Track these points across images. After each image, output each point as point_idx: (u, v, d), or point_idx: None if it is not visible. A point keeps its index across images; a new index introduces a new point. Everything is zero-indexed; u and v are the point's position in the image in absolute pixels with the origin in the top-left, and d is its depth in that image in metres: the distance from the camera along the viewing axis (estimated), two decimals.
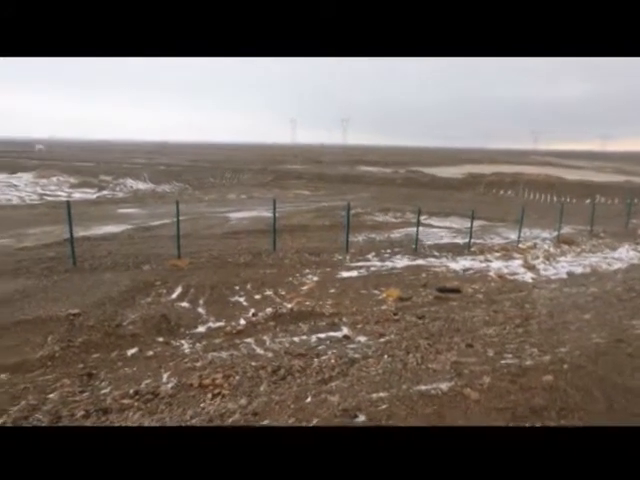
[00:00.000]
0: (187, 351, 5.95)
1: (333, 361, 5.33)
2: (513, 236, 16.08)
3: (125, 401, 4.46)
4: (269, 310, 7.65)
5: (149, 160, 49.54)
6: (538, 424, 3.54)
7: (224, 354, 5.75)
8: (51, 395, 4.56)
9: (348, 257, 12.17)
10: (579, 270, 11.36)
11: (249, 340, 6.31)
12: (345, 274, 10.50)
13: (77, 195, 26.06)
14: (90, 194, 26.97)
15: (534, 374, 4.49)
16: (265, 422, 3.85)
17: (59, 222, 13.37)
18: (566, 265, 11.92)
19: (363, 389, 4.38)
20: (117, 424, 4.06)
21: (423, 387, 4.28)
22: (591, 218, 18.14)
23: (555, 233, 16.69)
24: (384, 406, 3.92)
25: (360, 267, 11.23)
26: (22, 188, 26.65)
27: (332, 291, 9.08)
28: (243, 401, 4.32)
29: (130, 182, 31.74)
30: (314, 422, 3.73)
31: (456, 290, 9.20)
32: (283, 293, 8.76)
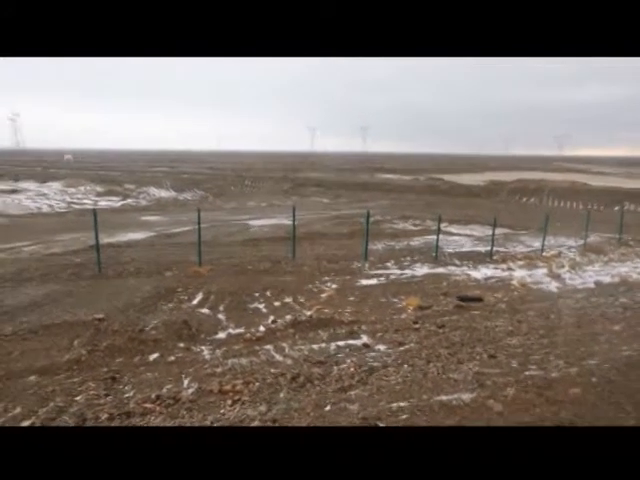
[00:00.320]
0: (207, 357, 6.01)
1: (352, 369, 5.30)
2: (537, 244, 15.70)
3: (147, 405, 4.53)
4: (288, 317, 7.67)
5: (172, 169, 50.74)
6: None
7: (244, 360, 5.78)
8: (77, 398, 4.68)
9: (367, 265, 12.12)
10: (607, 280, 10.98)
11: (268, 347, 6.34)
12: (364, 282, 10.45)
13: (103, 203, 26.86)
14: (115, 202, 27.76)
15: (561, 387, 4.35)
16: None
17: (85, 229, 13.80)
18: (593, 274, 11.55)
19: (383, 398, 4.33)
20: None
21: (444, 397, 4.21)
22: (619, 226, 17.56)
23: (581, 241, 16.22)
24: (404, 416, 3.87)
25: (380, 275, 11.16)
26: (52, 196, 27.66)
27: (351, 299, 9.04)
28: (262, 408, 4.34)
29: (153, 190, 32.51)
30: None
31: (478, 299, 9.02)
32: (302, 300, 8.77)
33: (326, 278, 10.55)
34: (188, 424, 4.16)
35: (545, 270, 11.93)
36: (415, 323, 7.37)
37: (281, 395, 4.68)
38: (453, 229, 19.53)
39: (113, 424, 4.16)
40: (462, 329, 6.84)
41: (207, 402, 4.61)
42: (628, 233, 17.83)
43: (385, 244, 15.61)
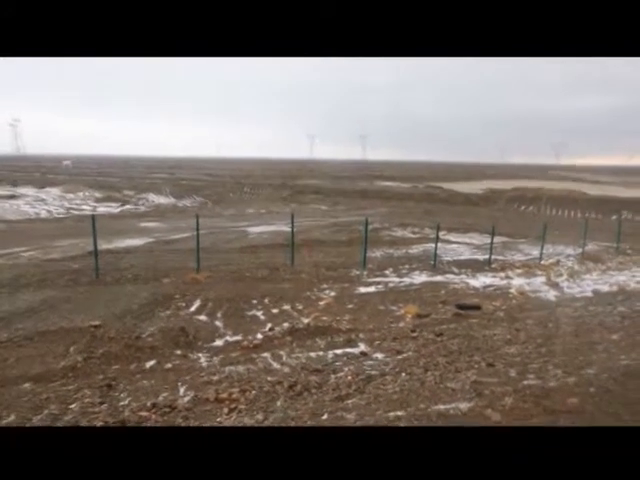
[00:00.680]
0: (204, 365, 5.98)
1: (350, 378, 5.27)
2: (535, 253, 15.73)
3: (143, 413, 4.49)
4: (286, 325, 7.65)
5: (170, 175, 50.84)
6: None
7: (241, 368, 5.75)
8: (72, 405, 4.63)
9: (366, 273, 12.11)
10: (605, 288, 10.99)
11: (266, 355, 6.31)
12: (363, 290, 10.44)
13: (101, 209, 26.88)
14: (114, 208, 27.78)
15: (559, 396, 4.33)
16: None
17: (84, 235, 13.78)
18: (591, 283, 11.56)
19: (380, 407, 4.30)
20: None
21: (442, 407, 4.18)
22: (617, 234, 17.61)
23: (579, 250, 16.25)
24: (402, 425, 3.84)
25: (378, 283, 11.15)
26: (50, 202, 27.68)
27: (349, 307, 9.02)
28: (259, 416, 4.30)
29: (152, 197, 32.56)
30: None
31: (476, 307, 9.01)
32: (300, 308, 8.75)
33: (324, 286, 10.53)
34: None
35: (543, 278, 11.94)
36: (413, 331, 7.34)
37: (278, 403, 4.65)
38: (452, 237, 19.56)
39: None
40: (460, 337, 6.83)
41: (203, 410, 4.58)
42: (626, 242, 17.88)
43: (384, 252, 15.62)
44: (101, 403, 4.73)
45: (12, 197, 28.27)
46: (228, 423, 4.23)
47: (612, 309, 8.62)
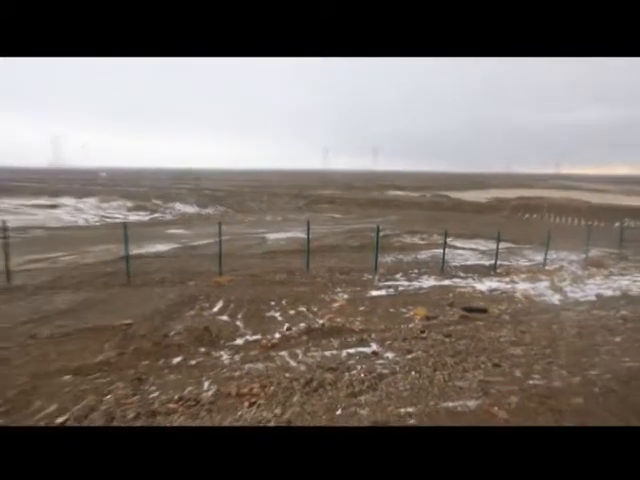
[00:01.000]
0: (226, 362, 6.04)
1: (362, 375, 5.25)
2: (539, 258, 15.43)
3: (171, 405, 4.56)
4: (302, 325, 7.67)
5: (195, 186, 51.56)
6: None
7: (260, 365, 5.79)
8: (107, 397, 4.74)
9: (377, 277, 12.06)
10: (608, 293, 10.71)
11: (283, 353, 6.33)
12: (374, 293, 10.39)
13: (132, 217, 27.41)
14: (143, 216, 28.31)
15: (563, 396, 4.24)
16: None
17: (117, 241, 14.08)
18: (594, 288, 11.27)
19: (391, 404, 4.28)
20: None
21: (450, 404, 4.14)
22: (619, 241, 17.15)
23: (583, 256, 15.88)
24: (412, 421, 3.81)
25: (388, 286, 11.09)
26: (87, 211, 28.38)
27: (362, 309, 8.99)
28: (277, 410, 4.32)
29: (178, 205, 33.08)
30: None
31: (482, 310, 8.88)
32: (315, 309, 8.76)
33: (338, 289, 10.53)
34: (208, 424, 4.16)
35: (548, 283, 11.70)
36: (422, 332, 7.28)
37: (295, 399, 4.66)
38: (458, 243, 19.33)
39: (139, 423, 4.20)
40: (467, 339, 6.74)
41: (226, 404, 4.62)
42: (628, 248, 17.40)
43: (394, 257, 15.53)
44: (133, 395, 4.82)
45: (53, 206, 29.09)
46: (249, 416, 4.26)
47: (615, 313, 8.40)
